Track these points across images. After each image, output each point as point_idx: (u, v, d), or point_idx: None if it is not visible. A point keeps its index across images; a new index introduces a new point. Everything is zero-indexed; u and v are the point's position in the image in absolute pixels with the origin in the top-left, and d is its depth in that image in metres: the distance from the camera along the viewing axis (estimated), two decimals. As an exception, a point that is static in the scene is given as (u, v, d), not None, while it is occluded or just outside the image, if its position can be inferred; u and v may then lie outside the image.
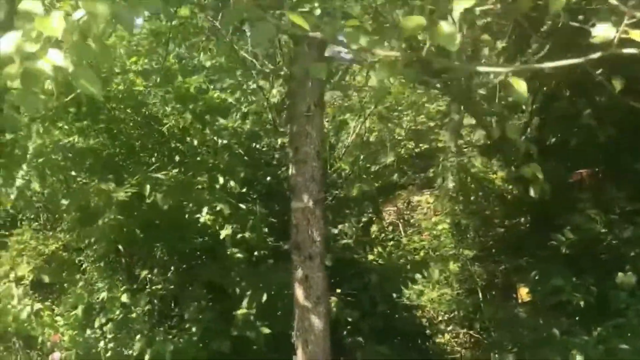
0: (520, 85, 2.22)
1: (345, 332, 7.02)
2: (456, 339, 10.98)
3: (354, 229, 7.86)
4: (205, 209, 6.51)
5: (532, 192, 8.28)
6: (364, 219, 9.09)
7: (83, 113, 6.47)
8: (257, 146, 8.01)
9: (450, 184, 11.38)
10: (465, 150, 15.75)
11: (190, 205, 6.63)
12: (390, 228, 14.26)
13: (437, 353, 9.79)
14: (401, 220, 14.31)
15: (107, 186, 6.04)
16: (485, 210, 10.89)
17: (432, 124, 13.98)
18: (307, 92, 4.90)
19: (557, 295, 6.77)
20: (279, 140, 8.04)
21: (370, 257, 8.18)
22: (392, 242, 12.94)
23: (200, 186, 6.95)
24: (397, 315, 7.70)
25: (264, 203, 7.59)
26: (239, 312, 6.30)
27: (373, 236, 10.24)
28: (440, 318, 11.45)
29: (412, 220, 14.18)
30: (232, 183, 6.83)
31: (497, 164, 11.68)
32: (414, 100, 13.94)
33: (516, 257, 10.81)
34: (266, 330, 6.34)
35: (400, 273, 7.51)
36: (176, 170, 7.23)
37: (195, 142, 7.49)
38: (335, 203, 8.76)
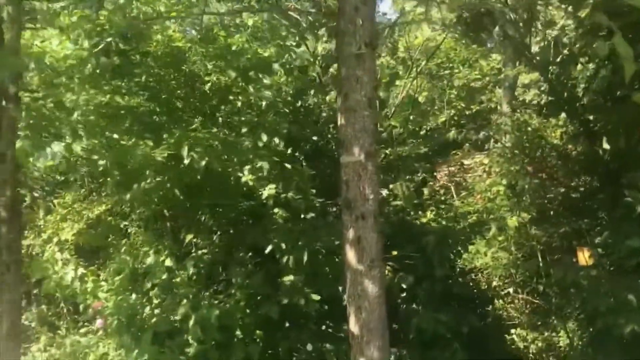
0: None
1: (399, 299, 6.50)
2: (511, 304, 10.39)
3: (406, 190, 7.28)
4: (247, 169, 6.04)
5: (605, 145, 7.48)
6: (416, 180, 8.47)
7: (118, 70, 6.04)
8: (303, 104, 7.46)
9: (507, 144, 10.65)
10: (520, 108, 14.88)
11: (233, 165, 6.17)
12: (442, 191, 13.66)
13: (495, 318, 9.24)
14: (453, 183, 13.66)
15: (146, 146, 5.63)
16: (543, 170, 10.09)
17: (486, 80, 13.16)
18: (357, 30, 4.30)
19: (633, 257, 6.06)
20: (327, 98, 7.48)
21: (424, 219, 7.59)
22: (444, 206, 12.35)
23: (242, 145, 6.49)
24: (453, 280, 7.14)
25: (311, 163, 7.07)
26: (285, 278, 5.86)
27: (425, 198, 9.66)
28: (496, 283, 10.86)
29: (465, 183, 13.52)
30: (276, 140, 6.33)
31: (555, 122, 10.84)
32: (465, 57, 13.12)
33: (581, 218, 10.07)
34: (316, 297, 5.89)
35: (458, 236, 6.88)
36: (217, 129, 6.84)
37: (239, 102, 7.02)
38: (386, 163, 8.21)
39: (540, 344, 9.24)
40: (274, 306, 5.96)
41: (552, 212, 10.60)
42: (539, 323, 9.68)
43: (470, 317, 6.69)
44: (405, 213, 7.21)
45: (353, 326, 4.60)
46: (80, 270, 6.71)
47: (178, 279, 6.42)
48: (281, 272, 6.04)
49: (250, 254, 6.41)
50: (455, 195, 12.91)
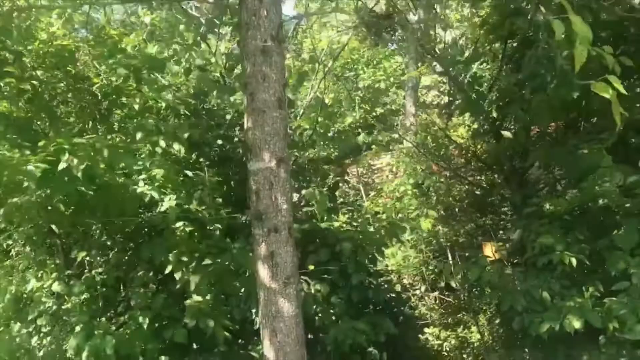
0: None
1: (314, 310, 5.99)
2: (423, 303, 10.27)
3: (318, 195, 6.77)
4: (142, 178, 5.29)
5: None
6: (328, 184, 8.00)
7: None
8: (205, 106, 6.77)
9: (413, 143, 10.50)
10: (425, 109, 14.93)
11: (128, 175, 5.39)
12: (352, 192, 13.37)
13: (410, 319, 9.00)
14: (362, 184, 13.42)
15: (22, 156, 4.74)
16: (449, 168, 10.02)
17: (390, 81, 13.04)
18: (262, 22, 3.73)
19: (545, 255, 5.91)
20: (232, 98, 6.82)
21: (337, 224, 7.13)
22: (354, 208, 12.03)
23: (137, 152, 5.73)
24: (368, 286, 6.74)
25: (217, 170, 6.43)
26: (189, 301, 5.18)
27: (339, 202, 9.25)
28: (406, 281, 10.68)
29: (373, 184, 13.32)
30: (175, 146, 5.62)
31: (457, 120, 10.84)
32: (369, 58, 12.92)
33: (485, 214, 10.07)
34: (224, 321, 5.25)
35: (374, 240, 6.47)
36: (111, 135, 6.02)
37: (136, 105, 6.23)
38: (297, 167, 7.67)
39: (453, 342, 9.11)
40: (180, 329, 5.25)
41: (457, 210, 10.59)
42: (451, 321, 9.59)
43: (387, 323, 6.30)
44: (318, 219, 6.70)
45: (268, 350, 4.03)
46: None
47: (69, 305, 5.55)
48: (187, 293, 5.33)
49: (151, 273, 5.64)
50: (364, 197, 12.68)
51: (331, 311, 6.14)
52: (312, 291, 5.96)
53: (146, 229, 6.00)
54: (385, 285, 7.46)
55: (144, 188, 5.30)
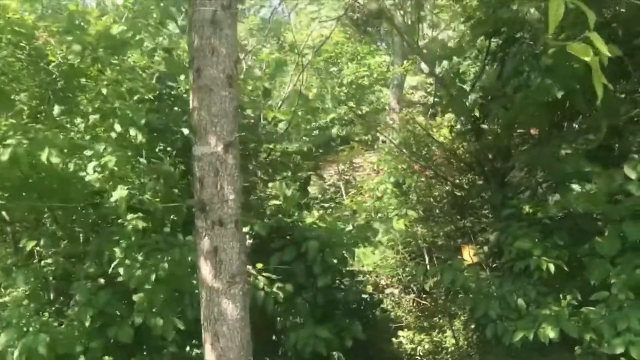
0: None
1: (277, 311, 5.56)
2: (398, 305, 9.89)
3: (286, 189, 6.34)
4: (91, 165, 4.82)
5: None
6: (300, 179, 7.56)
7: None
8: (170, 90, 6.29)
9: (395, 142, 10.12)
10: (408, 107, 14.54)
11: (75, 161, 4.92)
12: (332, 190, 12.95)
13: (383, 321, 8.59)
14: (342, 182, 13.01)
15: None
16: (430, 168, 9.65)
17: (374, 77, 12.62)
18: (211, -12, 3.29)
19: (522, 259, 5.53)
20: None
21: (309, 220, 6.71)
22: (332, 204, 11.61)
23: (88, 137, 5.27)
24: (339, 285, 6.32)
25: (180, 159, 5.97)
26: (136, 296, 4.72)
27: (312, 198, 8.84)
28: (383, 282, 10.29)
29: (354, 182, 12.91)
30: (131, 132, 5.16)
31: (440, 120, 10.46)
32: (353, 53, 12.49)
33: (465, 216, 9.70)
34: (175, 320, 4.80)
35: (343, 240, 6.04)
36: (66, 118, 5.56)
37: (103, 88, 5.75)
38: (270, 160, 7.24)
39: (427, 346, 8.72)
40: (125, 328, 4.79)
41: (437, 211, 10.23)
42: (426, 324, 9.21)
43: (355, 327, 5.89)
44: (285, 214, 6.27)
45: (209, 355, 3.60)
46: None
47: (6, 297, 5.07)
48: (136, 289, 4.87)
49: (96, 266, 5.16)
50: (344, 194, 12.27)
51: (293, 312, 5.72)
52: (275, 290, 5.53)
53: (98, 220, 5.54)
54: (358, 287, 7.07)
55: (93, 176, 4.84)
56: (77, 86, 5.75)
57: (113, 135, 5.22)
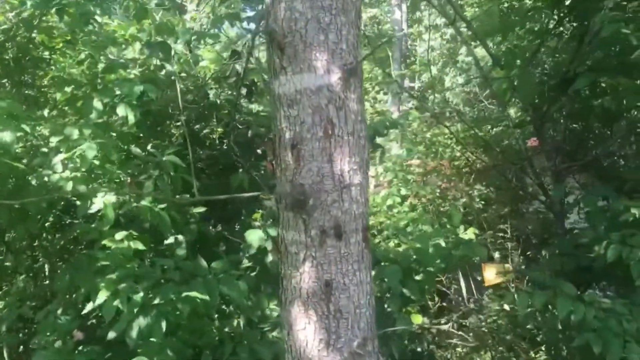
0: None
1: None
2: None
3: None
4: (58, 158, 2.92)
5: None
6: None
7: None
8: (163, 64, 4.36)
9: (399, 151, 8.56)
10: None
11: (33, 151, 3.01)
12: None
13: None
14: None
15: None
16: (441, 180, 8.06)
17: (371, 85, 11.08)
18: None
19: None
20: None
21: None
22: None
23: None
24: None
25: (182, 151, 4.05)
26: (138, 359, 2.73)
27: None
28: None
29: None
30: (121, 111, 3.25)
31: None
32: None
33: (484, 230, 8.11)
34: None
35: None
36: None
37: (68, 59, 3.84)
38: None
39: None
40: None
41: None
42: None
43: None
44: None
45: None
46: None
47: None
48: (130, 345, 2.92)
49: (70, 311, 3.19)
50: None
51: None
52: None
53: (69, 243, 3.57)
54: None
55: (63, 175, 2.93)
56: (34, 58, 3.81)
57: (92, 116, 3.29)
